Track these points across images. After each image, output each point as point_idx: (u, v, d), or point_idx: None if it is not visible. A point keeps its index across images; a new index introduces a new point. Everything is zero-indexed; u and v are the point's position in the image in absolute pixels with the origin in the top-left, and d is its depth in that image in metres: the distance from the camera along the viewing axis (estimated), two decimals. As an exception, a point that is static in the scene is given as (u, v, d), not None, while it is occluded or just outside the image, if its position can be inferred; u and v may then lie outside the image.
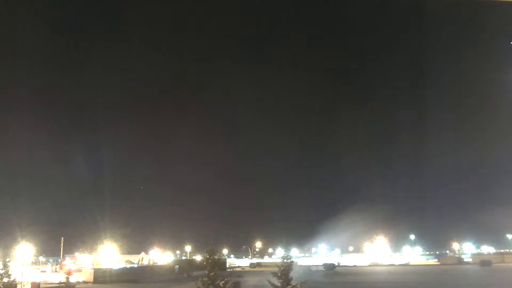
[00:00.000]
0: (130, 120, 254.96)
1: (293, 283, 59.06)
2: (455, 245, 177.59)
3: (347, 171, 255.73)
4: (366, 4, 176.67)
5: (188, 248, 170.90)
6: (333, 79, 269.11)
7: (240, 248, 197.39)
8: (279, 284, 53.95)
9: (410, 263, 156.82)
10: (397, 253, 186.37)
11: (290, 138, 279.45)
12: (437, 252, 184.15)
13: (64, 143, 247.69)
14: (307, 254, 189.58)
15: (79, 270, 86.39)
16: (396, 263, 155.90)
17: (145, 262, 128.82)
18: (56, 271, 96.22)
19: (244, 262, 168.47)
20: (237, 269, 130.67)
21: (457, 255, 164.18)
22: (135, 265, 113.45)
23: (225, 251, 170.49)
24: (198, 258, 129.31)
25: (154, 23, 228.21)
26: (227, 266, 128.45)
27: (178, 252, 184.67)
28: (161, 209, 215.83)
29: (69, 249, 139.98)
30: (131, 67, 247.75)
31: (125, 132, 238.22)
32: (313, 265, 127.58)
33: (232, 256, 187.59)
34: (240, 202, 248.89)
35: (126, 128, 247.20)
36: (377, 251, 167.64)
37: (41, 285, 68.48)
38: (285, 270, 55.80)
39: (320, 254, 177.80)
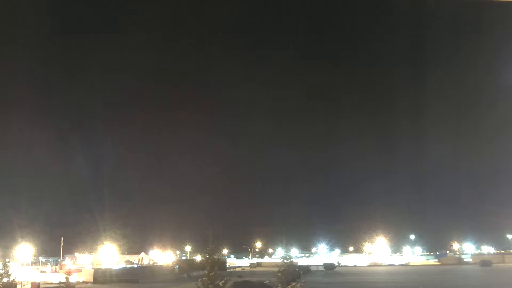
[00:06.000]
0: (130, 119, 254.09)
1: (293, 283, 59.02)
2: (455, 245, 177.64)
3: (347, 170, 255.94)
4: (366, 3, 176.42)
5: (188, 248, 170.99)
6: (333, 76, 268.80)
7: (240, 248, 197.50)
8: (279, 284, 54.02)
9: (410, 263, 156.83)
10: (397, 253, 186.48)
11: (290, 138, 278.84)
12: (437, 252, 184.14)
13: (64, 143, 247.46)
14: (307, 254, 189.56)
15: (79, 270, 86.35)
16: (396, 263, 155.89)
17: (145, 262, 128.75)
18: (56, 271, 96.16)
19: (244, 262, 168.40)
20: (237, 269, 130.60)
21: (457, 255, 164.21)
22: (135, 265, 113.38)
23: (225, 251, 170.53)
24: (198, 258, 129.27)
25: (154, 23, 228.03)
26: (227, 266, 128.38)
27: (178, 252, 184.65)
28: (161, 209, 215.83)
29: (69, 249, 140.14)
30: (131, 66, 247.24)
31: (125, 131, 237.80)
32: (313, 265, 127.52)
33: (232, 256, 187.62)
34: (240, 201, 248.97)
35: (126, 127, 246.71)
36: (377, 251, 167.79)
37: (41, 285, 68.49)
38: (285, 270, 55.99)
39: (320, 254, 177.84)
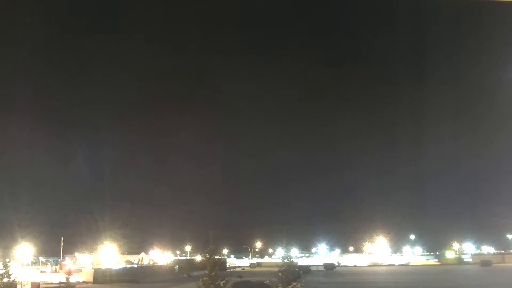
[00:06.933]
0: (130, 120, 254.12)
1: (293, 283, 59.05)
2: (455, 245, 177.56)
3: (347, 170, 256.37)
4: (366, 3, 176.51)
5: (188, 248, 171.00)
6: (333, 76, 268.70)
7: (240, 248, 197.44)
8: (279, 284, 54.01)
9: (410, 263, 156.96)
10: (397, 253, 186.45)
11: (290, 138, 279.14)
12: (437, 252, 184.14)
13: (64, 143, 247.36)
14: (307, 254, 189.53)
15: (79, 270, 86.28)
16: (396, 263, 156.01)
17: (145, 262, 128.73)
18: (56, 271, 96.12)
19: (244, 262, 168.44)
20: (237, 269, 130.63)
21: (457, 255, 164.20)
22: (135, 265, 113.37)
23: (225, 251, 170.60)
24: (198, 258, 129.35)
25: (154, 23, 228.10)
26: (227, 266, 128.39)
27: (178, 252, 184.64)
28: (161, 209, 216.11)
29: (69, 249, 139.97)
30: (131, 67, 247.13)
31: (125, 132, 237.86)
32: (313, 265, 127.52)
33: (232, 256, 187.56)
34: (240, 202, 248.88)
35: (126, 128, 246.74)
36: (377, 251, 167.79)
37: (41, 285, 68.44)
38: (285, 270, 55.98)
39: (320, 254, 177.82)
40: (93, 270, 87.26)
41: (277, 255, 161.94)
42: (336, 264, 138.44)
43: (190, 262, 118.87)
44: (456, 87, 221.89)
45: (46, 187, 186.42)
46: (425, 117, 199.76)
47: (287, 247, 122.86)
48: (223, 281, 35.22)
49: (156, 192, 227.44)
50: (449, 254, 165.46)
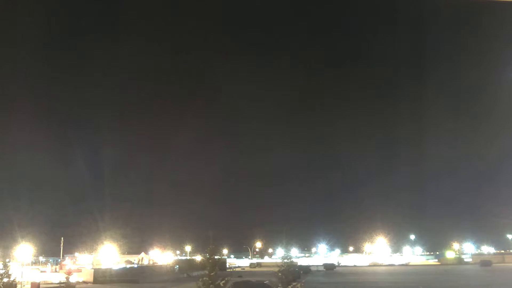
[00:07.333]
0: (130, 120, 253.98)
1: (293, 283, 59.03)
2: (455, 245, 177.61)
3: (347, 170, 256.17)
4: (366, 3, 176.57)
5: (188, 248, 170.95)
6: (333, 76, 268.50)
7: (240, 248, 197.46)
8: (279, 284, 53.99)
9: (410, 263, 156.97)
10: (397, 253, 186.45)
11: (290, 138, 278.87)
12: (437, 252, 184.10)
13: (64, 143, 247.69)
14: (307, 254, 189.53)
15: (79, 270, 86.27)
16: (396, 263, 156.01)
17: (145, 262, 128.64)
18: (56, 271, 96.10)
19: (244, 262, 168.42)
20: (237, 269, 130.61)
21: (457, 255, 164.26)
22: (135, 265, 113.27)
23: (225, 251, 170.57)
24: (198, 258, 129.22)
25: (154, 23, 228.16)
26: (227, 266, 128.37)
27: (178, 252, 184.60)
28: (161, 209, 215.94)
29: (69, 249, 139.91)
30: (131, 67, 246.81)
31: (125, 132, 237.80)
32: (313, 265, 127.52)
33: (232, 256, 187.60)
34: (240, 201, 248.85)
35: (126, 128, 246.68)
36: (377, 251, 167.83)
37: (41, 285, 68.46)
38: (285, 270, 55.94)
39: (320, 254, 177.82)
40: (93, 270, 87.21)
41: (277, 255, 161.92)
42: (336, 264, 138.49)
43: (190, 262, 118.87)
44: (456, 87, 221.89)
45: (46, 187, 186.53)
46: (425, 117, 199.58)
47: (287, 247, 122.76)
48: (223, 281, 35.23)
49: (156, 192, 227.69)
50: (449, 254, 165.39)
